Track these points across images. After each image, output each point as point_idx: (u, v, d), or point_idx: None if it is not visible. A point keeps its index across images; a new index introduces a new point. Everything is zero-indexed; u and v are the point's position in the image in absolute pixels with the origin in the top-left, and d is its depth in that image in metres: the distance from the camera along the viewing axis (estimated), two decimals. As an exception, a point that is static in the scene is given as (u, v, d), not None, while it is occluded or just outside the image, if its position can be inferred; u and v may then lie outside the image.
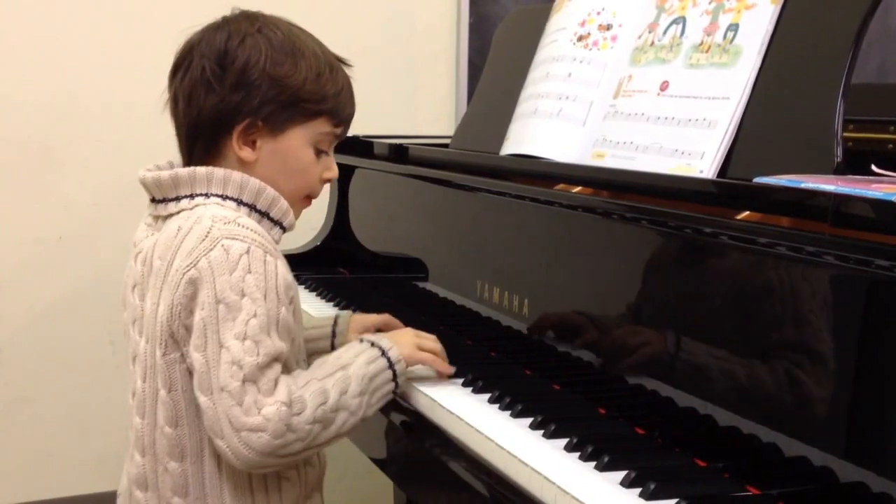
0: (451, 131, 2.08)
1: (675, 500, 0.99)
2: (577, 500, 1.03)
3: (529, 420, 1.23)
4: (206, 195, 1.27)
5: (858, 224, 0.97)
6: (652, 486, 1.02)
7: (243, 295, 1.19)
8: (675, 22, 1.45)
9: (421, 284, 1.81)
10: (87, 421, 2.39)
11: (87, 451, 2.39)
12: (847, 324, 0.98)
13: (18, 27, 2.27)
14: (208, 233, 1.21)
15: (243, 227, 1.23)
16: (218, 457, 1.25)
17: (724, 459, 1.09)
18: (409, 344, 1.36)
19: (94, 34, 2.33)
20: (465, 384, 1.39)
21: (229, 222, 1.23)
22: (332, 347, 1.49)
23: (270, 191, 1.29)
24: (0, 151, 2.28)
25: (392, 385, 1.32)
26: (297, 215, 1.34)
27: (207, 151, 1.30)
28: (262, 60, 1.27)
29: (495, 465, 1.17)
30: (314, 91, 1.30)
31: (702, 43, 1.39)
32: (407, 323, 1.52)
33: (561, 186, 1.43)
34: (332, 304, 1.88)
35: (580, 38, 1.62)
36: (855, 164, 1.23)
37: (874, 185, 1.02)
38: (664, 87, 1.42)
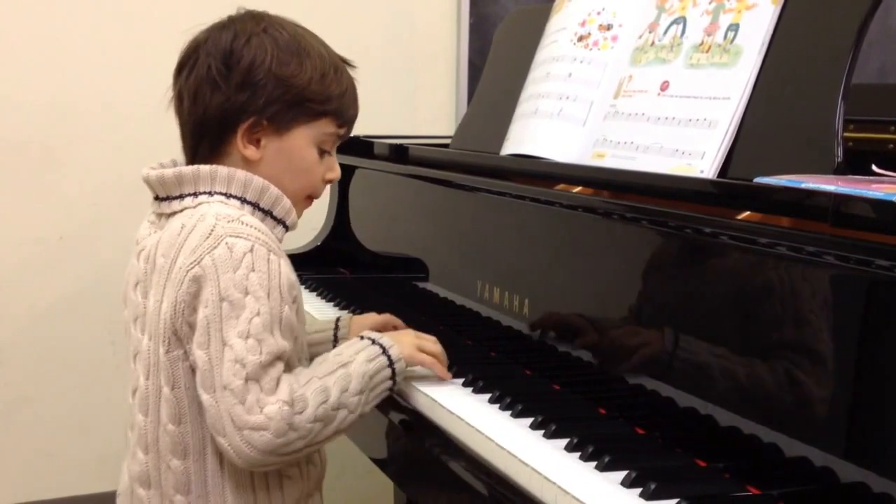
0: (451, 131, 2.08)
1: (676, 501, 0.99)
2: (577, 500, 1.03)
3: (530, 420, 1.23)
4: (210, 193, 1.28)
5: (859, 224, 0.97)
6: (652, 487, 1.02)
7: (247, 293, 1.20)
8: (675, 22, 1.45)
9: (421, 284, 1.81)
10: (87, 421, 2.39)
11: (87, 451, 2.39)
12: (847, 324, 0.98)
13: (18, 27, 2.28)
14: (212, 230, 1.22)
15: (247, 225, 1.23)
16: (220, 454, 1.25)
17: (725, 459, 1.09)
18: (410, 344, 1.36)
19: (94, 34, 2.33)
20: (465, 384, 1.39)
21: (233, 220, 1.23)
22: None
23: (274, 189, 1.29)
24: (0, 151, 2.28)
25: (390, 383, 1.32)
26: (298, 215, 1.35)
27: (212, 150, 1.30)
28: (267, 60, 1.28)
29: (495, 465, 1.17)
30: (319, 91, 1.30)
31: (702, 43, 1.39)
32: (407, 323, 1.52)
33: (561, 186, 1.43)
34: (332, 304, 1.88)
35: (580, 38, 1.62)
36: (855, 164, 1.23)
37: (874, 186, 1.02)
38: (664, 87, 1.42)
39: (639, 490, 1.03)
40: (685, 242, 1.20)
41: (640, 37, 1.51)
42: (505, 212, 1.56)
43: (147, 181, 1.31)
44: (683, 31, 1.43)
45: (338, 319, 1.54)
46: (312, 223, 2.16)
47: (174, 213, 1.29)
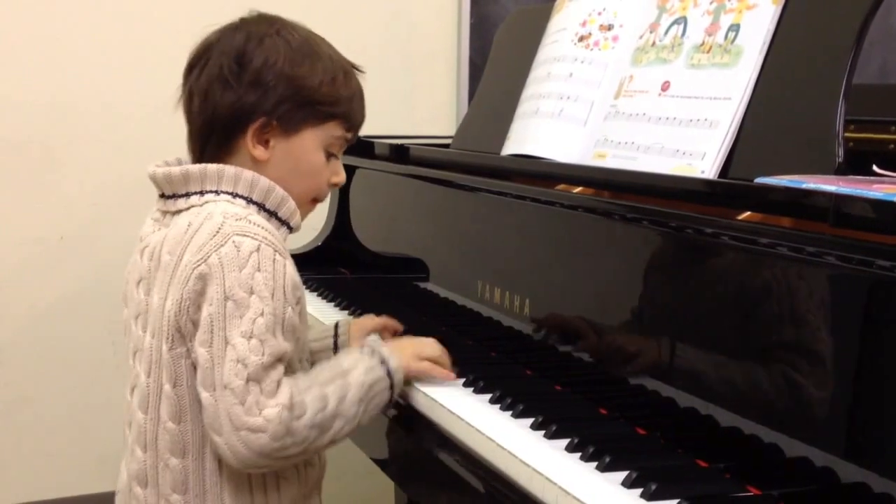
0: (451, 131, 2.08)
1: (677, 501, 0.99)
2: (578, 500, 1.03)
3: (531, 420, 1.23)
4: (216, 192, 1.28)
5: (859, 224, 0.97)
6: (653, 487, 1.02)
7: (252, 293, 1.20)
8: (676, 22, 1.45)
9: (422, 285, 1.81)
10: (87, 421, 2.39)
11: (87, 451, 2.39)
12: (848, 324, 0.98)
13: (18, 27, 2.27)
14: (219, 229, 1.22)
15: (254, 224, 1.24)
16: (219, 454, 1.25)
17: (726, 460, 1.09)
18: (410, 355, 1.36)
19: (94, 34, 2.33)
20: (466, 384, 1.39)
21: (240, 219, 1.24)
22: None
23: (280, 190, 1.30)
24: (0, 151, 2.28)
25: (388, 395, 1.32)
26: (303, 217, 1.36)
27: (220, 149, 1.31)
28: (279, 61, 1.29)
29: (496, 466, 1.17)
30: (329, 94, 1.32)
31: (703, 43, 1.39)
32: (408, 323, 1.52)
33: (562, 187, 1.43)
34: (332, 304, 1.88)
35: (581, 39, 1.62)
36: (856, 164, 1.23)
37: (875, 186, 1.02)
38: (665, 87, 1.42)
39: (639, 490, 1.03)
40: (686, 243, 1.20)
41: (641, 37, 1.51)
42: (506, 212, 1.55)
43: (153, 178, 1.32)
44: (684, 32, 1.43)
45: (336, 325, 1.54)
46: (313, 223, 2.16)
47: (180, 211, 1.29)
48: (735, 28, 1.35)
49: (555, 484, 1.06)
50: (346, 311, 1.82)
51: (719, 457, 1.10)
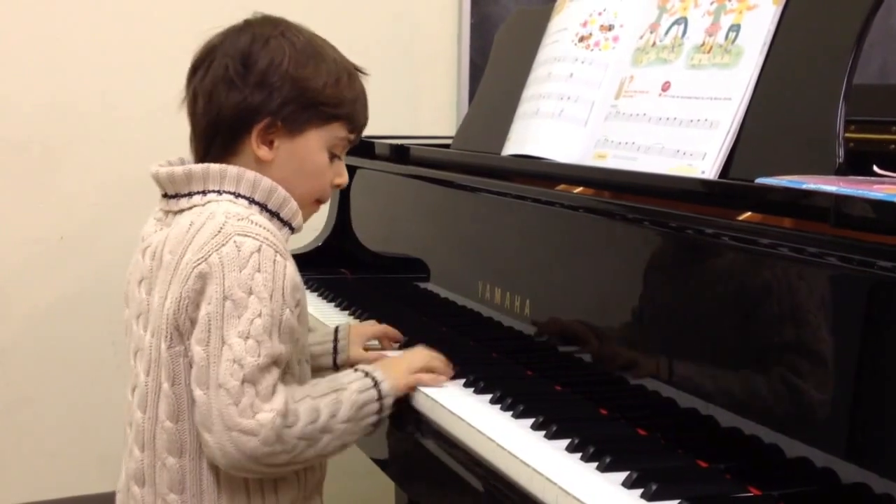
0: (452, 132, 2.08)
1: (677, 501, 0.99)
2: (578, 500, 1.03)
3: (531, 421, 1.23)
4: (219, 192, 1.29)
5: (860, 225, 0.97)
6: (654, 487, 1.02)
7: (251, 293, 1.20)
8: (676, 22, 1.45)
9: (422, 285, 1.81)
10: (87, 421, 2.39)
11: (87, 451, 2.39)
12: (849, 325, 0.98)
13: (18, 27, 2.27)
14: (221, 228, 1.22)
15: (256, 224, 1.24)
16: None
17: (726, 460, 1.09)
18: (403, 370, 1.37)
19: (94, 34, 2.33)
20: (466, 385, 1.39)
21: (243, 219, 1.24)
22: (335, 363, 1.52)
23: (282, 191, 1.30)
24: (0, 151, 2.28)
25: (376, 417, 1.32)
26: (305, 219, 1.36)
27: (224, 149, 1.31)
28: (285, 62, 1.29)
29: (497, 466, 1.17)
30: (333, 95, 1.32)
31: (703, 43, 1.39)
32: (408, 324, 1.52)
33: (562, 187, 1.43)
34: (333, 304, 1.88)
35: (582, 39, 1.62)
36: (856, 164, 1.23)
37: (876, 186, 1.02)
38: (666, 87, 1.42)
39: (640, 491, 1.03)
40: (686, 243, 1.20)
41: (642, 37, 1.51)
42: (506, 212, 1.56)
43: (156, 178, 1.32)
44: (685, 32, 1.43)
45: (336, 330, 1.54)
46: (313, 223, 2.15)
47: (182, 211, 1.29)
48: (735, 28, 1.35)
49: (555, 484, 1.06)
50: (347, 312, 1.82)
51: (720, 457, 1.10)
